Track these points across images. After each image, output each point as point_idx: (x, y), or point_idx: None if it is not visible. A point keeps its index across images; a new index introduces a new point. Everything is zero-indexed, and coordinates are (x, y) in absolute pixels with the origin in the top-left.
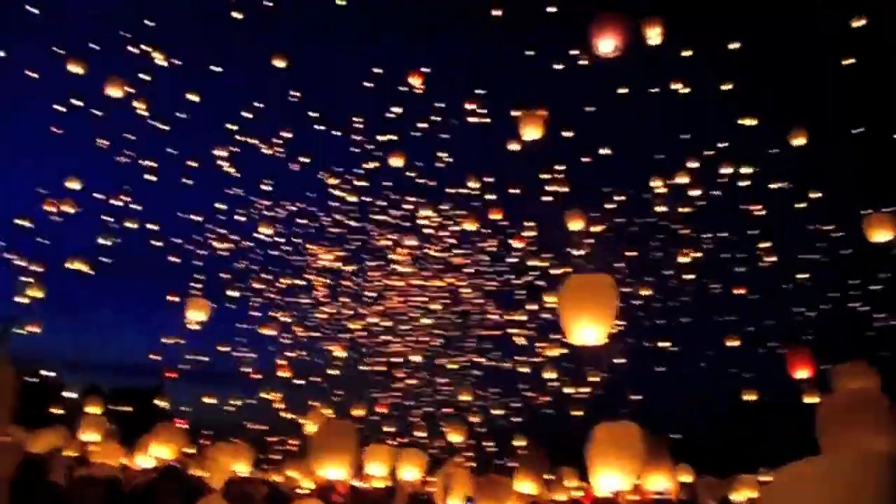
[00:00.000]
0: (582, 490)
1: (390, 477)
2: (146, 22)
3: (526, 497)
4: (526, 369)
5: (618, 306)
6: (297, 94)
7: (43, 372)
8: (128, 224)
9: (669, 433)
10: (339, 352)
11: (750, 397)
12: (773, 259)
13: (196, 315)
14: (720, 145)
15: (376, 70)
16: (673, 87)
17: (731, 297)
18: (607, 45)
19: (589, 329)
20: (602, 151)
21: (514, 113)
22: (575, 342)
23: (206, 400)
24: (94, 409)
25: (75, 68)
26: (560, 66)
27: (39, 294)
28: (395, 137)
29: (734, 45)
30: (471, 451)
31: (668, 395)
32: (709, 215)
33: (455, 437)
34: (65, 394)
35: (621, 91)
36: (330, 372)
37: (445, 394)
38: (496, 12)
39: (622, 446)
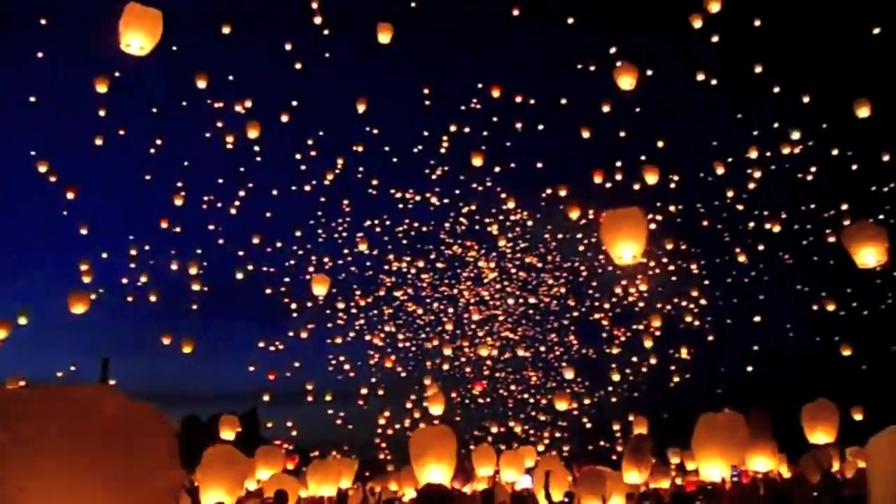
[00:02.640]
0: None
1: (491, 478)
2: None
3: (631, 486)
4: (615, 350)
5: (647, 232)
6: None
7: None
8: (216, 257)
9: (769, 407)
10: (445, 349)
11: (846, 352)
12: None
13: (320, 290)
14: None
15: (426, 90)
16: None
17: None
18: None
19: (626, 250)
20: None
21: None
22: (616, 262)
23: (303, 418)
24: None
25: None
26: (593, 68)
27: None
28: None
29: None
30: (569, 435)
31: (763, 368)
32: (771, 192)
33: (561, 405)
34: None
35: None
36: (429, 366)
37: (536, 383)
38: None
39: (727, 435)
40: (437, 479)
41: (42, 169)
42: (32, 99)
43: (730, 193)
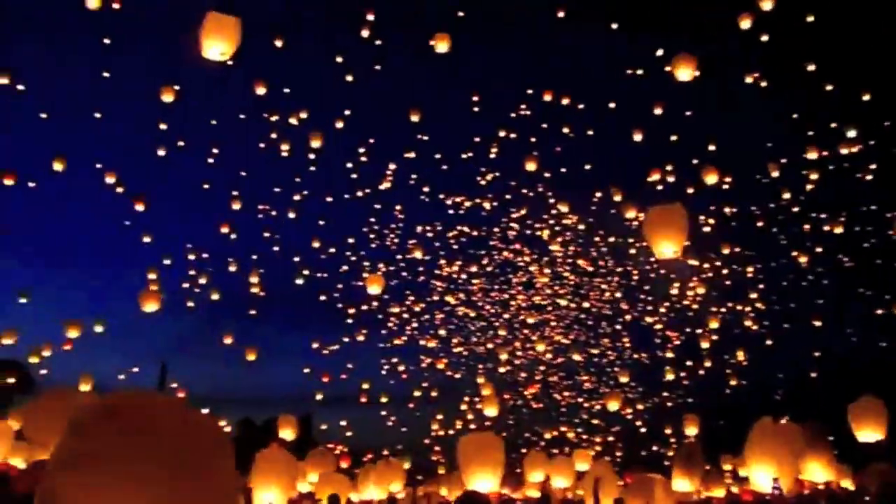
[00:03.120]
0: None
1: (542, 484)
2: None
3: (682, 494)
4: (669, 355)
5: (688, 228)
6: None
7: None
8: (272, 263)
9: (831, 415)
10: (499, 353)
11: None
12: None
13: (374, 289)
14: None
15: (475, 98)
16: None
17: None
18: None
19: (667, 245)
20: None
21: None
22: (658, 256)
23: (356, 421)
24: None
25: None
26: (640, 71)
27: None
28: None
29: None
30: (621, 440)
31: (824, 375)
32: (829, 193)
33: (613, 406)
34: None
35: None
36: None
37: (587, 388)
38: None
39: (781, 443)
40: (485, 487)
41: (110, 180)
42: (98, 115)
43: (786, 195)
